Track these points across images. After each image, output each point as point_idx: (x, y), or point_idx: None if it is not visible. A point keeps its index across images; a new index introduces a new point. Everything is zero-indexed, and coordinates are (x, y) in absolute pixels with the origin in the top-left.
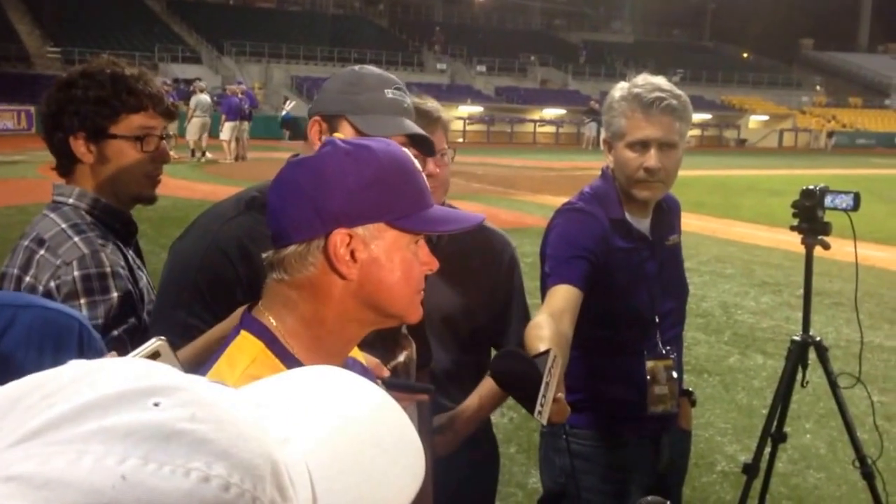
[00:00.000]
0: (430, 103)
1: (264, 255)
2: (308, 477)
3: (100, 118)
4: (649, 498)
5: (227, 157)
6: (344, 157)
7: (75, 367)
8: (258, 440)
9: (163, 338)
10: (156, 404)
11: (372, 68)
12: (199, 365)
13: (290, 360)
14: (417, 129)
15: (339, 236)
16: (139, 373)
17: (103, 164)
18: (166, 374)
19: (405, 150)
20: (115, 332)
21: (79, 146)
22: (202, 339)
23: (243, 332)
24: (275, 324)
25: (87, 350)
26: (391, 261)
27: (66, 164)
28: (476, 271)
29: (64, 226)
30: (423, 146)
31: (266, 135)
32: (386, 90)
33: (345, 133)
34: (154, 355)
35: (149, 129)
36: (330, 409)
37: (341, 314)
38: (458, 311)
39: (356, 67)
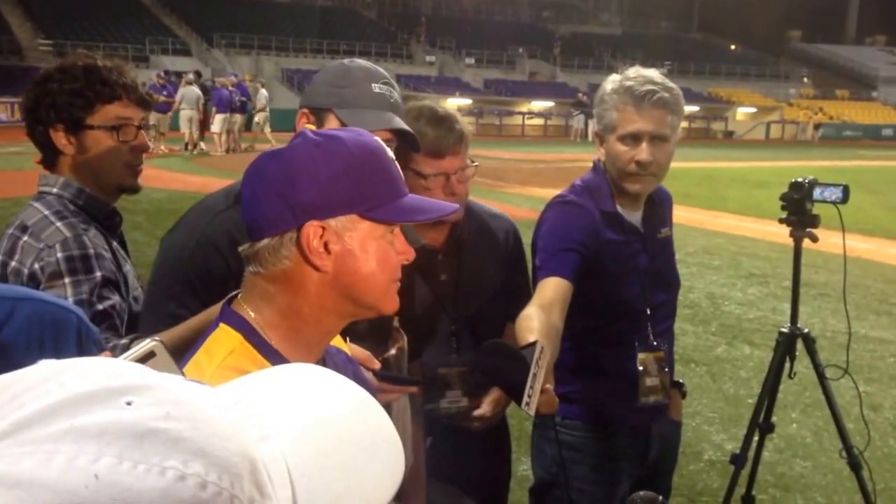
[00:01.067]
0: (454, 119)
1: (241, 248)
2: (287, 475)
3: (75, 109)
4: (641, 493)
5: (218, 149)
6: (314, 149)
7: (44, 367)
8: (235, 438)
9: (158, 338)
10: (128, 403)
11: (361, 62)
12: (177, 355)
13: (268, 352)
14: (402, 125)
15: (311, 229)
16: (111, 372)
17: (83, 154)
18: (139, 373)
19: (378, 140)
20: (100, 307)
21: (59, 138)
22: (180, 327)
23: (222, 325)
24: (253, 315)
25: (85, 343)
26: (366, 251)
27: (50, 157)
28: (493, 257)
29: (47, 213)
30: (408, 141)
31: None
32: (373, 84)
33: (330, 126)
34: (149, 355)
35: (125, 119)
36: (308, 406)
37: (318, 306)
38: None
39: (346, 61)
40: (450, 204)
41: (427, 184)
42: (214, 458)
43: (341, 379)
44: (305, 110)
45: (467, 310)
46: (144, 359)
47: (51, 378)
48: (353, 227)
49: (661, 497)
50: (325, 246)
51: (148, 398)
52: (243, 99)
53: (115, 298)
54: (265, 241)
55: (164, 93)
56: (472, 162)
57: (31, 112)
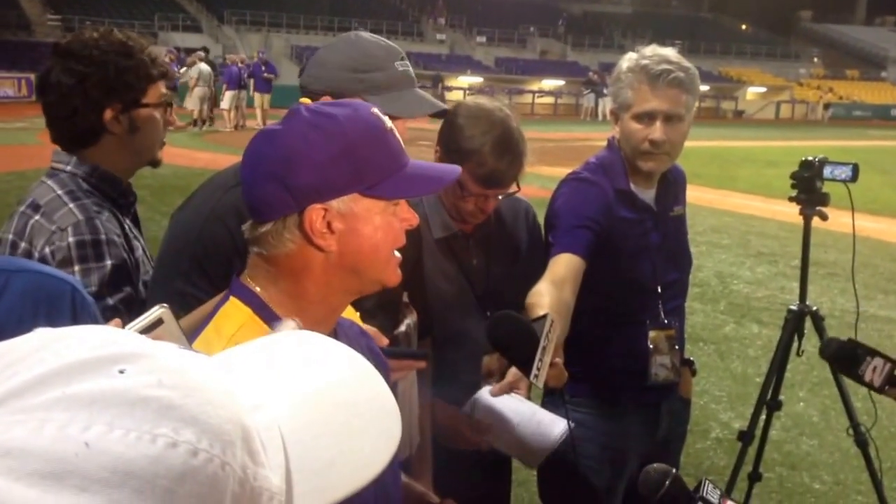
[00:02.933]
0: (522, 150)
1: (243, 227)
2: (281, 441)
3: (131, 89)
4: (654, 465)
5: (227, 125)
6: (309, 131)
7: (38, 336)
8: (228, 406)
9: (165, 305)
10: (121, 371)
11: (367, 36)
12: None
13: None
14: (441, 104)
15: (313, 212)
16: (104, 340)
17: (132, 133)
18: (132, 341)
19: (375, 112)
20: (110, 301)
21: (111, 117)
22: (199, 310)
23: (232, 299)
24: (259, 291)
25: (80, 314)
26: (370, 227)
27: (85, 136)
28: (518, 238)
29: (60, 192)
30: (441, 114)
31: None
32: (396, 63)
33: None
34: (157, 322)
35: (167, 97)
36: (304, 373)
37: (324, 284)
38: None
39: (352, 36)
40: (452, 168)
41: (462, 194)
42: (206, 425)
43: (337, 345)
44: (328, 98)
45: (499, 294)
46: (153, 326)
47: (45, 346)
48: (356, 205)
49: (674, 469)
50: (329, 226)
51: (141, 366)
52: (270, 75)
53: (127, 289)
54: (269, 226)
55: (176, 69)
56: (518, 187)
57: (75, 88)
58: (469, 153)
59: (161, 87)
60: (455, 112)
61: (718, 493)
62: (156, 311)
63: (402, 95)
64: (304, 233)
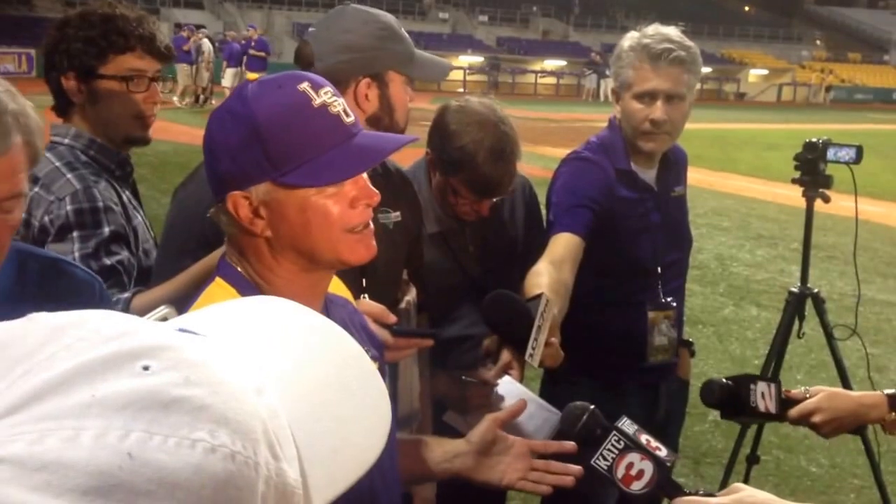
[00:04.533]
0: (515, 155)
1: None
2: (289, 430)
3: (88, 57)
4: (576, 402)
5: None
6: (225, 115)
7: (40, 325)
8: (249, 399)
9: (171, 306)
10: (146, 368)
11: (358, 9)
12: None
13: None
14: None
15: (235, 199)
16: (118, 331)
17: (94, 104)
18: (146, 330)
19: (304, 88)
20: (107, 262)
21: (70, 85)
22: (181, 277)
23: (218, 279)
24: (240, 270)
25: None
26: (297, 212)
27: (62, 104)
28: (515, 218)
29: (58, 164)
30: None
31: None
32: (402, 31)
33: (395, 85)
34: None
35: (137, 71)
36: (287, 348)
37: (278, 265)
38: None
39: (347, 14)
40: (403, 137)
41: (456, 199)
42: (236, 424)
43: (308, 312)
44: (367, 80)
45: (496, 279)
46: None
47: (52, 340)
48: (276, 192)
49: (592, 406)
50: (256, 212)
51: (164, 361)
52: (260, 52)
53: (124, 253)
54: (213, 209)
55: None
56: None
57: (47, 57)
58: (461, 163)
59: (132, 61)
60: (446, 117)
61: (635, 427)
62: (161, 311)
63: (425, 63)
64: (235, 219)
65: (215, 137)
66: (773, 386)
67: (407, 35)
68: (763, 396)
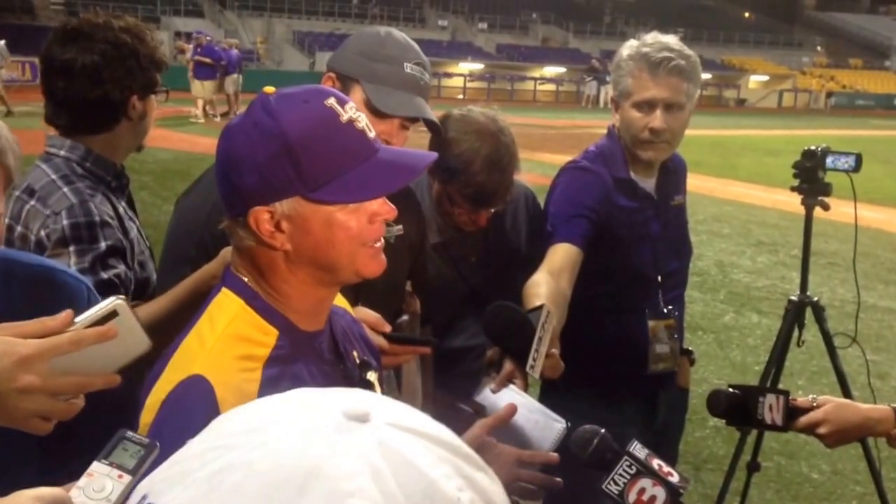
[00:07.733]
0: (513, 166)
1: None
2: None
3: (151, 75)
4: (586, 426)
5: (233, 110)
6: (252, 130)
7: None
8: None
9: (121, 297)
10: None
11: (398, 34)
12: (171, 322)
13: (271, 315)
14: (430, 114)
15: (259, 214)
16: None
17: (143, 118)
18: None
19: (331, 104)
20: (104, 276)
21: (134, 102)
22: (169, 295)
23: (224, 290)
24: (248, 281)
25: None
26: (323, 227)
27: (102, 120)
28: (517, 228)
29: (54, 176)
30: (431, 128)
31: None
32: (406, 63)
33: (355, 98)
34: (110, 315)
35: (160, 86)
36: None
37: (294, 278)
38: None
39: (382, 31)
40: (426, 154)
41: (453, 208)
42: None
43: None
44: (332, 75)
45: (498, 289)
46: (105, 319)
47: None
48: (301, 208)
49: (602, 430)
50: (278, 226)
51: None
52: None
53: (121, 267)
54: (228, 222)
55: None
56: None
57: (102, 72)
58: (457, 171)
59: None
60: (446, 124)
61: (646, 451)
62: (109, 303)
63: (391, 93)
64: (254, 233)
65: (240, 152)
66: (781, 398)
67: (409, 71)
68: (771, 409)
